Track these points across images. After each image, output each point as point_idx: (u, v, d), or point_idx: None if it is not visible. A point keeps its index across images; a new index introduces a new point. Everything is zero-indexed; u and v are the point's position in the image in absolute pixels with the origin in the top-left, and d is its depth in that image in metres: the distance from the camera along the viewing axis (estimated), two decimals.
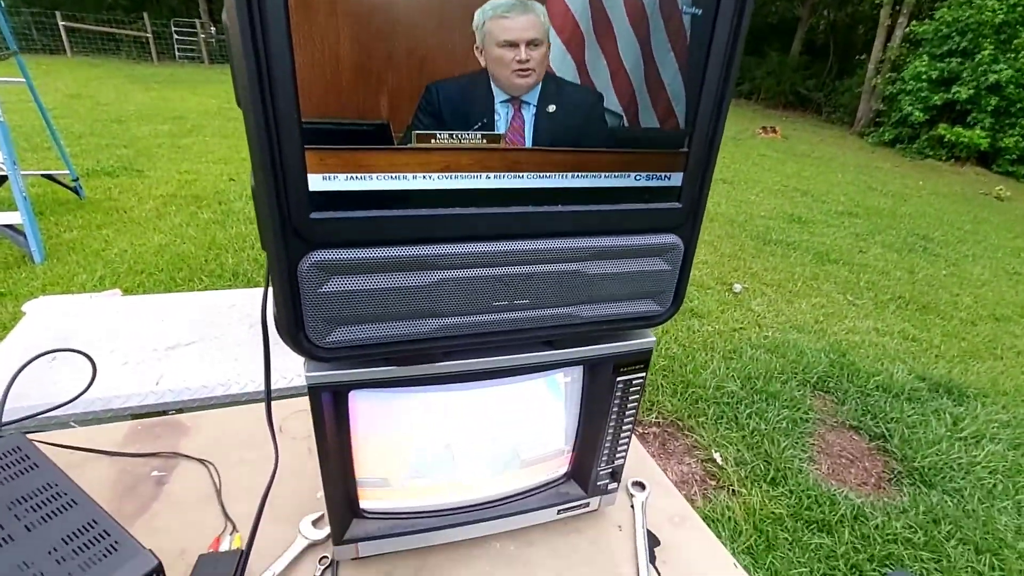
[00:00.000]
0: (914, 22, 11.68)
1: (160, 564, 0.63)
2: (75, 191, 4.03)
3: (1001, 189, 8.49)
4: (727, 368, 2.61)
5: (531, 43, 0.46)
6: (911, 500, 1.96)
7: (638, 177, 0.54)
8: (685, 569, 0.78)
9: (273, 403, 1.13)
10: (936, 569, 1.70)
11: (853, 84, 14.01)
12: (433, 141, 0.46)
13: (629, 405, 0.72)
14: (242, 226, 3.76)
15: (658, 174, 0.55)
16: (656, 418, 2.27)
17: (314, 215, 0.45)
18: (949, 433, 2.30)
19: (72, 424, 1.27)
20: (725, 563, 0.79)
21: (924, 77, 10.90)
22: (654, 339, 0.68)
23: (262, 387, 1.40)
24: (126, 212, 3.88)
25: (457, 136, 0.47)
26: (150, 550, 0.64)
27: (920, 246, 5.13)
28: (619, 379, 0.68)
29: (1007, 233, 6.13)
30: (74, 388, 1.20)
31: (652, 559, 0.78)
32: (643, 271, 0.59)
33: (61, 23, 14.03)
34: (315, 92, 0.41)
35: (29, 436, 0.93)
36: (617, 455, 0.76)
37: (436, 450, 0.68)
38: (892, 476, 2.11)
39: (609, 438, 0.74)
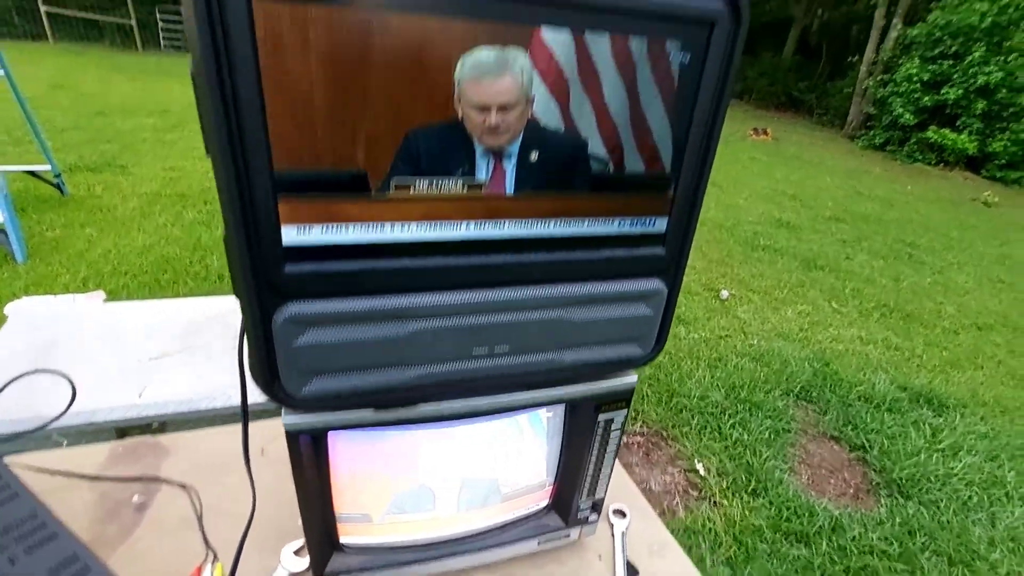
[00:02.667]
0: (907, 26, 11.78)
1: None
2: (58, 187, 3.96)
3: (988, 194, 8.61)
4: (712, 377, 2.64)
5: (502, 107, 0.45)
6: (888, 511, 2.00)
7: (622, 223, 0.55)
8: None
9: (255, 424, 1.13)
10: None
11: (845, 86, 14.11)
12: (412, 190, 0.46)
13: (611, 441, 0.72)
14: None
15: (642, 219, 0.55)
16: (640, 427, 2.29)
17: (288, 268, 0.45)
18: (927, 444, 2.35)
19: (54, 437, 1.25)
20: None
21: (915, 79, 11.00)
22: (636, 378, 0.68)
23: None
24: (110, 211, 3.83)
25: (437, 184, 0.46)
26: None
27: (906, 253, 5.20)
28: (601, 417, 0.69)
29: (993, 240, 6.22)
30: (55, 402, 1.19)
31: None
32: (626, 316, 0.59)
33: (43, 8, 13.73)
34: (288, 140, 0.41)
35: (9, 456, 0.92)
36: (598, 488, 0.77)
37: (416, 487, 0.68)
38: (870, 487, 2.15)
39: (590, 473, 0.75)
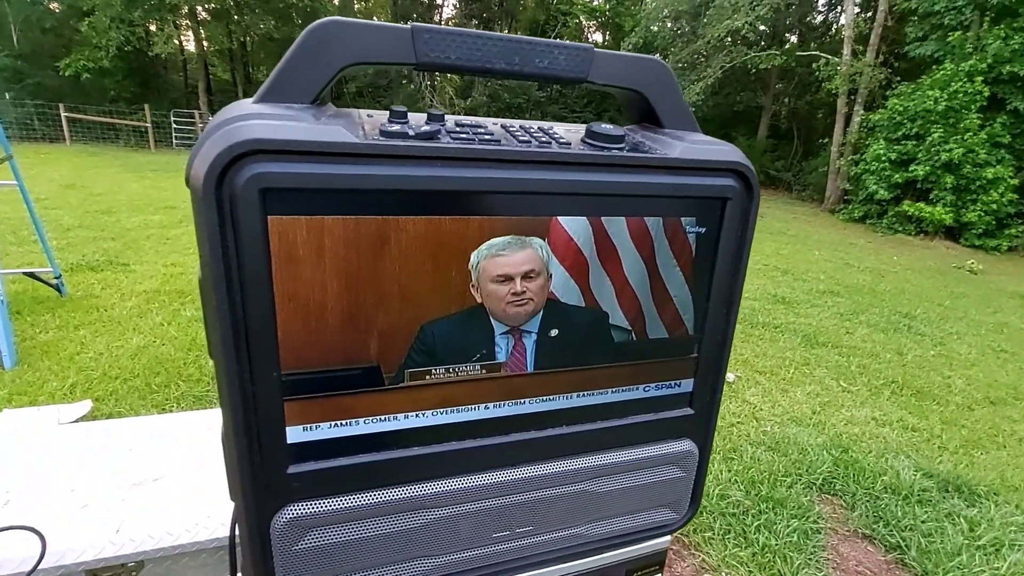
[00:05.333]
0: (868, 112, 12.61)
1: None
2: (57, 288, 3.95)
3: (972, 263, 8.79)
4: (729, 472, 2.51)
5: (527, 275, 0.44)
6: None
7: (647, 388, 0.51)
8: None
9: None
10: None
11: (819, 164, 14.85)
12: (428, 377, 0.43)
13: None
14: None
15: (668, 382, 0.52)
16: None
17: (292, 468, 0.40)
18: (967, 541, 2.19)
19: None
20: None
21: (884, 158, 11.61)
22: (668, 539, 0.62)
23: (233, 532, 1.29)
24: (107, 310, 3.80)
25: (454, 370, 0.43)
26: None
27: (904, 325, 5.19)
28: None
29: (986, 308, 6.26)
30: (25, 553, 1.08)
31: None
32: (656, 481, 0.54)
33: (64, 114, 14.55)
34: (297, 344, 0.38)
35: None
36: None
37: None
38: None
39: None
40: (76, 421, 2.11)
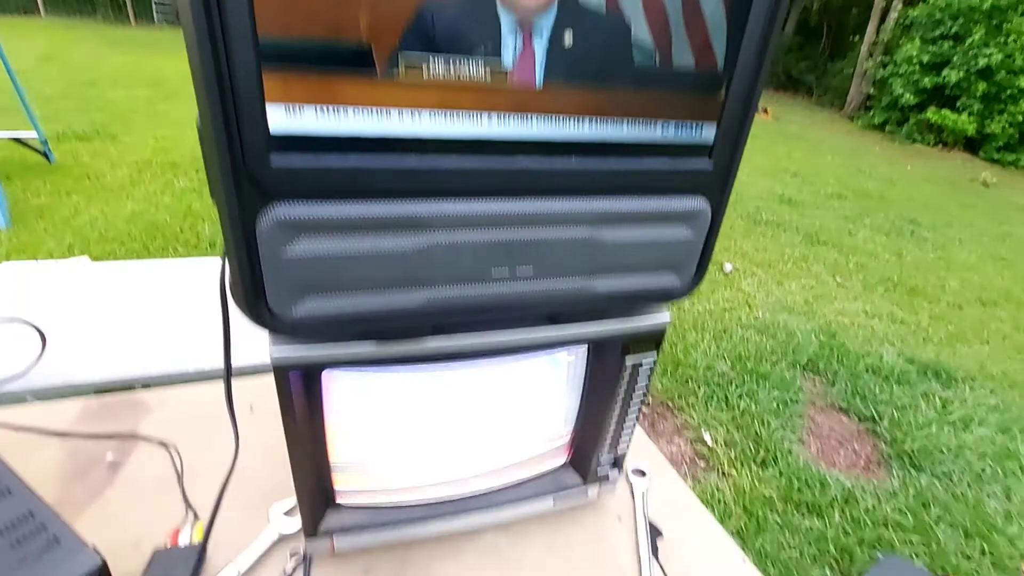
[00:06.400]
0: (907, 7, 11.58)
1: (104, 564, 0.55)
2: (44, 155, 3.82)
3: (987, 175, 8.54)
4: (718, 348, 2.58)
5: None
6: (901, 483, 1.95)
7: (665, 128, 0.46)
8: (690, 564, 0.72)
9: (245, 379, 1.05)
10: (926, 553, 1.70)
11: (845, 66, 13.91)
12: (426, 72, 0.37)
13: (637, 389, 0.65)
14: None
15: (688, 124, 0.47)
16: (647, 397, 2.23)
17: (275, 159, 0.36)
18: (938, 416, 2.30)
19: (28, 399, 1.17)
20: (733, 558, 0.74)
21: (915, 60, 10.85)
22: (668, 317, 0.60)
23: (239, 363, 1.32)
24: (98, 178, 3.69)
25: (455, 64, 0.38)
26: (94, 547, 0.56)
27: (908, 229, 5.14)
28: (628, 361, 0.61)
29: (992, 219, 6.17)
30: (28, 360, 1.10)
31: (655, 552, 0.72)
32: (664, 239, 0.51)
33: None
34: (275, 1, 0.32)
35: None
36: (620, 442, 0.70)
37: (421, 436, 0.61)
38: (881, 459, 2.10)
39: (613, 424, 0.67)
40: None
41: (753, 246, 4.05)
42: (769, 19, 0.45)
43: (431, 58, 0.37)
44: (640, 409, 0.68)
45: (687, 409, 2.17)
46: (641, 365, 0.62)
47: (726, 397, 2.24)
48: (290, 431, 0.53)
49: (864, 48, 12.70)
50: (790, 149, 8.13)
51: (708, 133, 0.48)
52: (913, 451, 2.08)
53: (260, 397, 0.91)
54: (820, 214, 5.17)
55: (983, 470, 2.04)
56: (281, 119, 0.35)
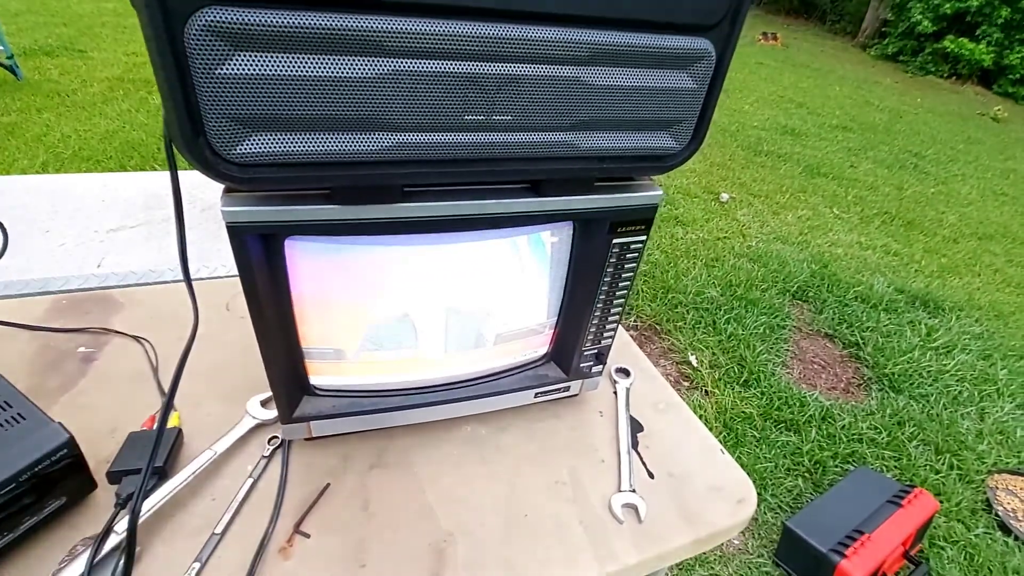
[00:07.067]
0: None
1: (72, 439, 0.54)
2: (11, 70, 3.60)
3: (999, 110, 8.28)
4: (709, 275, 2.57)
5: None
6: (878, 404, 2.01)
7: None
8: (669, 454, 0.73)
9: (224, 280, 1.01)
10: (896, 467, 1.77)
11: None
12: None
13: (624, 274, 0.62)
14: None
15: None
16: (634, 321, 2.23)
17: None
18: (922, 343, 2.34)
19: None
20: (711, 447, 0.74)
21: None
22: (661, 193, 0.56)
23: (214, 274, 1.28)
24: (68, 95, 3.50)
25: None
26: (60, 423, 0.55)
27: (911, 163, 5.03)
28: (615, 241, 0.58)
29: (999, 155, 6.03)
30: None
31: (635, 444, 0.73)
32: (660, 87, 0.46)
33: None
34: None
35: None
36: (605, 335, 0.68)
37: (395, 317, 0.58)
38: (862, 382, 2.15)
39: (598, 314, 0.65)
40: None
41: (752, 177, 3.96)
42: None
43: None
44: (627, 298, 0.65)
45: (675, 332, 2.18)
46: (629, 247, 0.59)
47: (714, 322, 2.25)
48: (255, 311, 0.50)
49: None
50: (797, 78, 7.80)
51: None
52: (893, 375, 2.12)
53: (238, 295, 0.89)
54: (823, 146, 5.03)
55: (960, 392, 2.09)
56: None
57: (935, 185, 4.61)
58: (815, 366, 2.20)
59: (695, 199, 3.45)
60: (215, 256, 1.26)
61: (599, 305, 0.64)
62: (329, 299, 0.54)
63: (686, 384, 1.99)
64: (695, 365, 2.04)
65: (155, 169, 2.73)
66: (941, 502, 1.63)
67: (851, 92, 7.66)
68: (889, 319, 2.48)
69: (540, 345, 0.70)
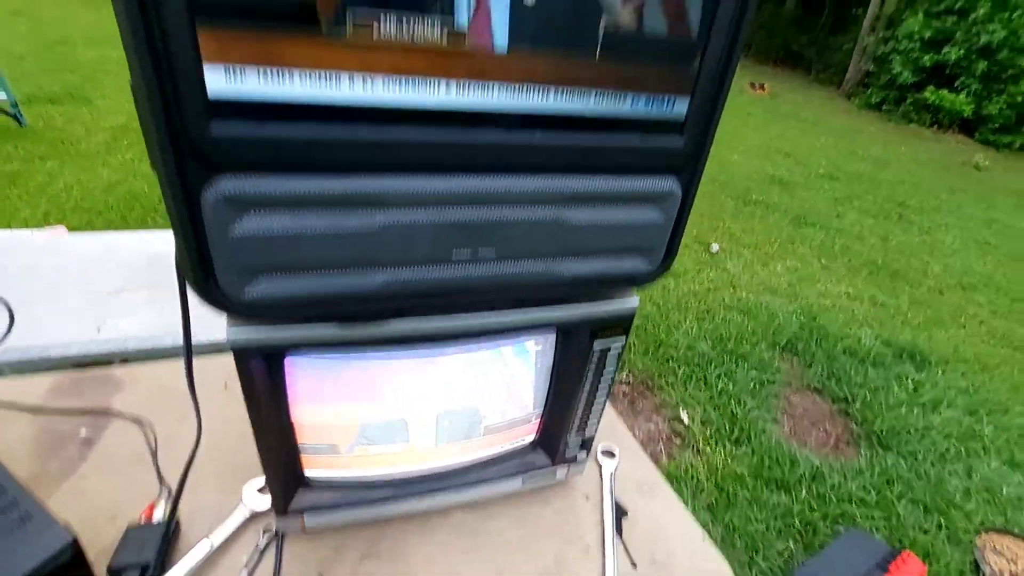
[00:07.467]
0: None
1: (76, 540, 0.56)
2: (15, 118, 3.69)
3: (980, 158, 8.57)
4: (700, 329, 2.61)
5: None
6: (868, 462, 2.02)
7: (635, 101, 0.45)
8: (652, 540, 0.74)
9: (220, 357, 1.04)
10: (886, 527, 1.77)
11: (845, 41, 13.74)
12: (376, 31, 0.36)
13: (606, 373, 0.65)
14: None
15: (659, 97, 0.45)
16: (627, 376, 2.26)
17: (216, 127, 0.35)
18: (909, 398, 2.36)
19: (3, 371, 1.17)
20: (693, 535, 0.76)
21: (917, 36, 10.76)
22: (637, 301, 0.61)
23: (214, 338, 1.31)
24: (72, 144, 3.59)
25: (407, 24, 0.36)
26: (66, 523, 0.57)
27: (896, 213, 5.18)
28: (596, 345, 0.62)
29: (981, 203, 6.22)
30: None
31: (619, 530, 0.75)
32: (632, 222, 0.51)
33: None
34: None
35: None
36: (589, 425, 0.71)
37: (388, 418, 0.61)
38: (851, 438, 2.16)
39: (581, 408, 0.68)
40: None
41: (741, 227, 4.06)
42: None
43: (381, 15, 0.35)
44: (609, 392, 0.69)
45: (666, 388, 2.20)
46: (609, 350, 0.63)
47: (705, 377, 2.28)
48: (255, 415, 0.53)
49: (866, 22, 12.53)
50: (785, 128, 8.09)
51: (680, 107, 0.47)
52: (882, 431, 2.14)
53: (235, 373, 0.91)
54: (810, 195, 5.18)
55: (947, 450, 2.11)
56: (220, 82, 0.34)
57: (920, 234, 4.73)
58: (805, 422, 2.22)
59: (686, 249, 3.53)
60: (214, 325, 1.29)
61: (583, 400, 0.67)
62: (325, 405, 0.58)
63: (678, 442, 2.00)
64: (686, 422, 2.06)
65: (155, 221, 2.79)
66: (930, 564, 1.63)
67: (837, 141, 7.94)
68: (877, 373, 2.51)
69: (527, 433, 0.73)
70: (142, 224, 2.78)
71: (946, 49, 10.35)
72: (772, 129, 7.83)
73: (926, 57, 10.62)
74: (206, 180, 0.37)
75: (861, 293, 3.39)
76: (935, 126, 10.71)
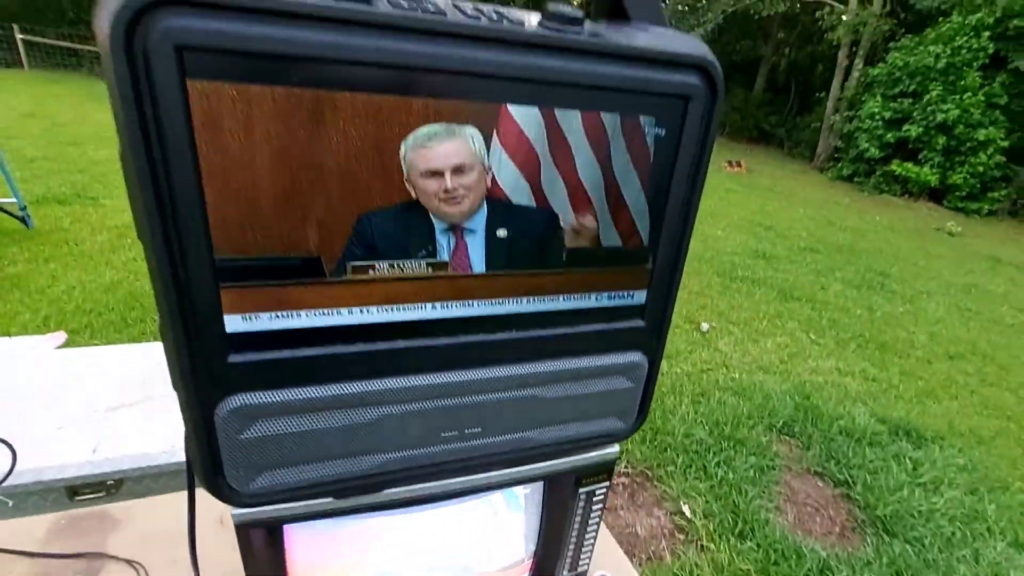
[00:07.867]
0: (868, 67, 12.39)
1: None
2: (23, 220, 3.83)
3: (952, 224, 8.94)
4: (695, 413, 2.61)
5: (457, 169, 0.42)
6: (875, 551, 1.96)
7: (599, 297, 0.52)
8: None
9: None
10: None
11: (812, 121, 14.70)
12: (372, 272, 0.42)
13: (592, 514, 0.68)
14: None
15: (620, 292, 0.52)
16: (626, 467, 2.23)
17: (232, 358, 0.40)
18: (909, 479, 2.34)
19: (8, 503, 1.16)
20: None
21: (878, 116, 11.53)
22: (617, 449, 0.65)
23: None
24: (77, 244, 3.70)
25: (398, 266, 0.43)
26: None
27: (878, 283, 5.32)
28: (581, 491, 0.65)
29: (958, 269, 6.42)
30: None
31: None
32: (605, 391, 0.56)
33: (19, 36, 13.51)
34: (230, 226, 0.37)
35: None
36: (580, 562, 0.73)
37: (386, 571, 0.63)
38: (856, 525, 2.12)
39: (572, 547, 0.70)
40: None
41: (729, 304, 4.15)
42: (688, 198, 0.51)
43: (376, 262, 0.42)
44: (598, 529, 0.71)
45: (666, 479, 2.17)
46: (594, 493, 0.66)
47: (704, 466, 2.26)
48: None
49: (830, 104, 13.47)
50: (763, 202, 8.46)
51: (639, 297, 0.54)
52: (886, 516, 2.10)
53: (228, 509, 0.92)
54: (793, 268, 5.34)
55: (953, 533, 2.06)
56: (238, 325, 0.40)
57: (903, 304, 4.84)
58: (808, 508, 2.18)
59: (677, 329, 3.59)
60: None
61: (572, 540, 0.69)
62: (320, 563, 0.59)
63: (681, 538, 1.95)
64: (689, 516, 2.01)
65: (153, 321, 2.83)
66: None
67: (814, 213, 8.28)
68: (875, 453, 2.49)
69: (521, 574, 0.74)
70: (141, 324, 2.82)
71: (906, 127, 11.09)
72: (752, 203, 8.19)
73: (889, 134, 11.34)
74: (220, 400, 0.42)
75: (852, 367, 3.42)
76: (906, 195, 11.24)
